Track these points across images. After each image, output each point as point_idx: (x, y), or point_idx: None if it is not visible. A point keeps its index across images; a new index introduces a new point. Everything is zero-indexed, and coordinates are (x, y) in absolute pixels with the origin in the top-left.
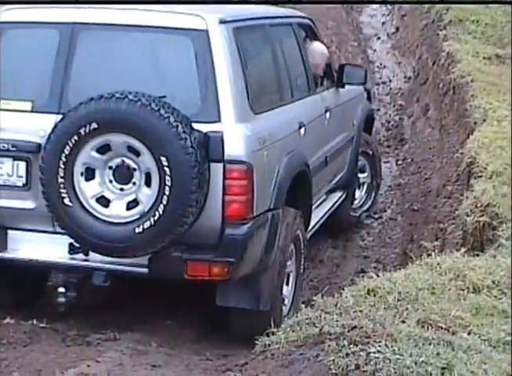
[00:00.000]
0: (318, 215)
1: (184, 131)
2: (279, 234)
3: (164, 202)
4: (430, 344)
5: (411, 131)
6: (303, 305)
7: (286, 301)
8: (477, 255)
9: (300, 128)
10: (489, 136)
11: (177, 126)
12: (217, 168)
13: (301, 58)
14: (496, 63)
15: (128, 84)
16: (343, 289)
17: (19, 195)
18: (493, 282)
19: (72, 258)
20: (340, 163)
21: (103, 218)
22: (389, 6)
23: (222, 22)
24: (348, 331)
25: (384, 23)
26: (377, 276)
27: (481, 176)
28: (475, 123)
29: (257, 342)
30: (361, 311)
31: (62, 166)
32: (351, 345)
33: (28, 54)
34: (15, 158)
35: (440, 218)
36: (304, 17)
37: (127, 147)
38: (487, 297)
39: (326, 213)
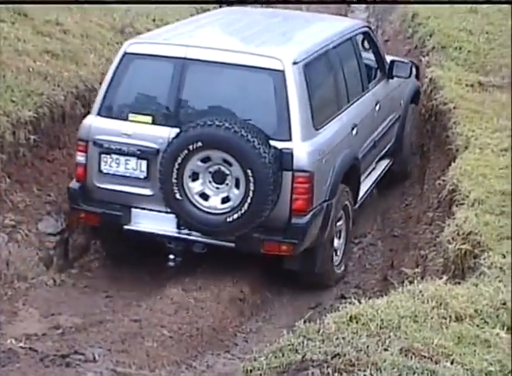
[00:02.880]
0: (367, 184)
1: (264, 152)
2: (332, 216)
3: (249, 201)
4: (414, 373)
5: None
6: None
7: (338, 253)
8: (459, 283)
9: (352, 129)
10: (471, 164)
11: (259, 148)
12: (287, 175)
13: (357, 63)
14: (479, 91)
15: (222, 107)
16: (324, 315)
17: (140, 184)
18: (475, 311)
19: (179, 232)
20: (388, 138)
21: (204, 209)
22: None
23: (295, 63)
24: (332, 359)
25: None
26: (359, 302)
27: (462, 204)
28: (457, 150)
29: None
30: (343, 338)
31: (175, 171)
32: (336, 374)
33: (150, 79)
34: (139, 158)
35: (421, 244)
36: (362, 27)
37: (222, 159)
38: (469, 326)
39: (374, 181)
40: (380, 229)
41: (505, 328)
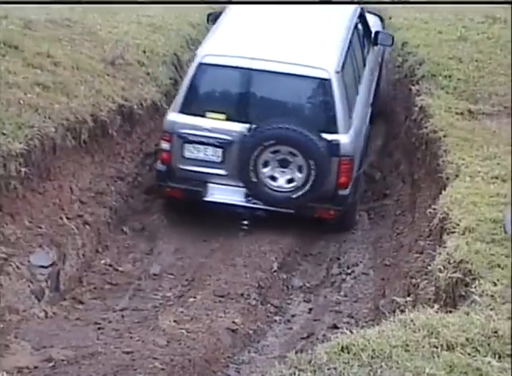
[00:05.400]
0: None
1: (322, 146)
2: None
3: (310, 182)
4: None
5: (382, 185)
6: (276, 362)
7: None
8: (451, 312)
9: (364, 106)
10: (462, 192)
11: (318, 144)
12: (335, 160)
13: (360, 45)
14: (469, 119)
15: (282, 108)
16: (316, 345)
17: (216, 166)
18: (467, 340)
19: (247, 201)
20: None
21: (273, 188)
22: None
23: (337, 72)
24: None
25: None
26: (351, 332)
27: (453, 232)
28: (447, 178)
29: None
30: (335, 368)
31: (252, 161)
32: None
33: (221, 84)
34: (215, 146)
35: (412, 273)
36: (359, 11)
37: (289, 152)
38: (461, 355)
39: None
40: (372, 258)
41: (496, 356)
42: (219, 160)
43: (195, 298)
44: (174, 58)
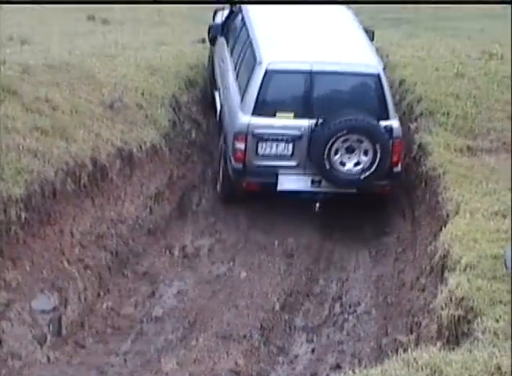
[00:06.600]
0: None
1: (384, 132)
2: None
3: (376, 163)
4: None
5: (383, 223)
6: None
7: None
8: (453, 349)
9: None
10: (462, 229)
11: (382, 130)
12: (390, 142)
13: None
14: (468, 155)
15: (340, 103)
16: None
17: (287, 158)
18: None
19: (314, 187)
20: None
21: (343, 172)
22: None
23: (383, 68)
24: None
25: None
26: (354, 372)
27: (454, 269)
28: (448, 215)
29: None
30: None
31: (326, 151)
32: None
33: (287, 86)
34: (286, 141)
35: (414, 311)
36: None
37: (357, 139)
38: None
39: None
40: (374, 297)
41: None
42: (289, 153)
43: (197, 340)
44: (173, 100)
